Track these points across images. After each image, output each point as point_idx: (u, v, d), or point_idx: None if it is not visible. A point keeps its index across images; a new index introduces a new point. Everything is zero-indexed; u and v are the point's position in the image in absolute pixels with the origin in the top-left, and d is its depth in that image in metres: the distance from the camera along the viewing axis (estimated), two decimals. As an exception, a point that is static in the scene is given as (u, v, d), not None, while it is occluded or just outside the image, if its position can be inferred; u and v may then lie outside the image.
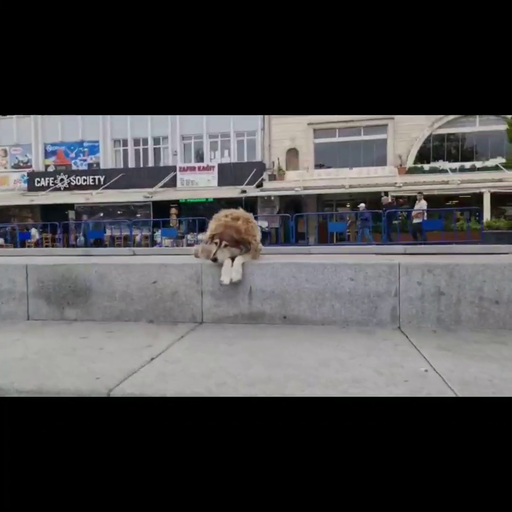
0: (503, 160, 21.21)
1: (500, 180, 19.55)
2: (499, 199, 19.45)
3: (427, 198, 20.32)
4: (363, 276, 2.43)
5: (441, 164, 22.05)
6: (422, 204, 15.30)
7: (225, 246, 2.48)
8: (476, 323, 2.34)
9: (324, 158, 24.25)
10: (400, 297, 2.40)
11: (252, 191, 21.69)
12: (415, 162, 22.70)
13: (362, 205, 17.13)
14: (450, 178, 19.79)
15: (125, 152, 28.10)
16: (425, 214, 14.90)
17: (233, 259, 2.51)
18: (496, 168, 20.98)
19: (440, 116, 22.21)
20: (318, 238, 20.55)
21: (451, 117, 22.26)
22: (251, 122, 25.53)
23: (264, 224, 21.03)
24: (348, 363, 1.74)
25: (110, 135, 26.88)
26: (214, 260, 2.46)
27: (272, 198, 21.55)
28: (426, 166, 22.19)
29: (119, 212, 24.66)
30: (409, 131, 22.90)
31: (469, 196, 20.30)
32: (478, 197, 18.95)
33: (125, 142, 27.96)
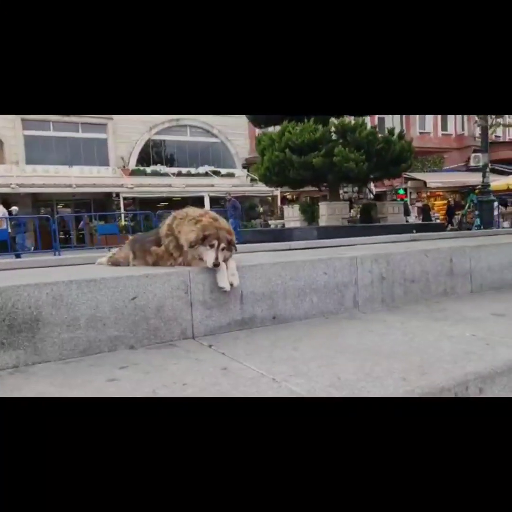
0: (211, 168, 24.41)
1: (212, 185, 22.48)
2: (213, 201, 22.34)
3: (147, 200, 21.05)
4: (333, 269, 2.68)
5: (160, 168, 23.44)
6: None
7: (223, 249, 2.25)
8: (403, 299, 2.97)
9: (38, 153, 21.77)
10: (358, 285, 2.79)
11: None
12: (137, 165, 23.29)
13: (15, 208, 14.78)
14: (173, 182, 21.36)
15: None
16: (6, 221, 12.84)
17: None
18: (206, 174, 23.96)
19: (156, 122, 23.55)
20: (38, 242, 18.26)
21: (167, 124, 23.97)
22: None
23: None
24: (430, 342, 2.01)
25: None
26: (218, 264, 2.20)
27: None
28: (148, 169, 23.15)
29: None
30: (128, 133, 23.29)
31: (179, 198, 22.34)
32: (199, 199, 21.21)
33: None
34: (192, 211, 2.44)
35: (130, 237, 2.89)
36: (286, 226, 11.24)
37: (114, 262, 2.75)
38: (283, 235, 9.06)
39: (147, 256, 2.54)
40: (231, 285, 2.25)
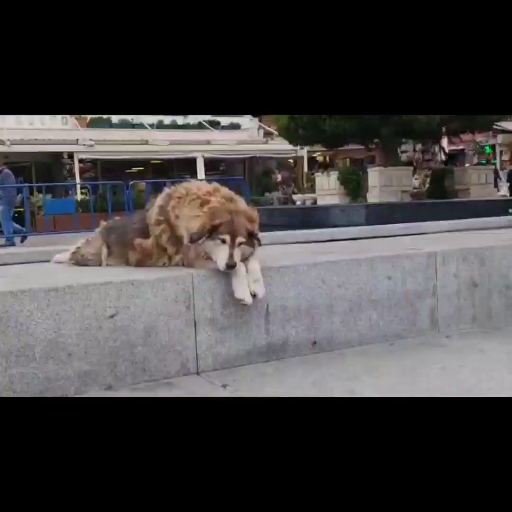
0: (207, 117, 24.41)
1: (208, 142, 22.51)
2: (210, 165, 22.41)
3: (113, 163, 21.14)
4: (400, 272, 2.67)
5: (134, 116, 23.47)
6: None
7: (240, 243, 2.24)
8: (504, 315, 2.95)
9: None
10: (438, 295, 2.77)
11: None
12: (98, 111, 23.38)
13: None
14: (152, 137, 21.43)
15: None
16: None
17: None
18: (199, 126, 23.97)
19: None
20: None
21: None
22: None
23: None
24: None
25: None
26: (233, 266, 2.19)
27: None
28: (114, 118, 23.17)
29: None
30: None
31: (161, 161, 22.41)
32: (189, 162, 21.30)
33: None
34: (195, 187, 2.44)
35: (103, 222, 2.89)
36: (319, 202, 11.19)
37: (80, 261, 2.75)
38: (315, 216, 8.94)
39: (128, 252, 2.56)
40: (254, 296, 2.25)
